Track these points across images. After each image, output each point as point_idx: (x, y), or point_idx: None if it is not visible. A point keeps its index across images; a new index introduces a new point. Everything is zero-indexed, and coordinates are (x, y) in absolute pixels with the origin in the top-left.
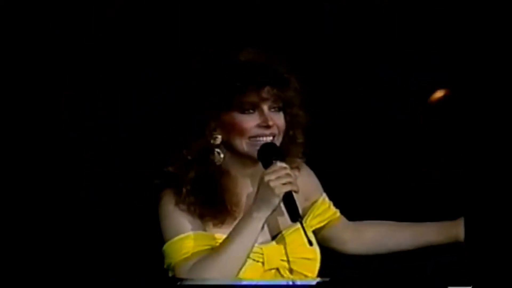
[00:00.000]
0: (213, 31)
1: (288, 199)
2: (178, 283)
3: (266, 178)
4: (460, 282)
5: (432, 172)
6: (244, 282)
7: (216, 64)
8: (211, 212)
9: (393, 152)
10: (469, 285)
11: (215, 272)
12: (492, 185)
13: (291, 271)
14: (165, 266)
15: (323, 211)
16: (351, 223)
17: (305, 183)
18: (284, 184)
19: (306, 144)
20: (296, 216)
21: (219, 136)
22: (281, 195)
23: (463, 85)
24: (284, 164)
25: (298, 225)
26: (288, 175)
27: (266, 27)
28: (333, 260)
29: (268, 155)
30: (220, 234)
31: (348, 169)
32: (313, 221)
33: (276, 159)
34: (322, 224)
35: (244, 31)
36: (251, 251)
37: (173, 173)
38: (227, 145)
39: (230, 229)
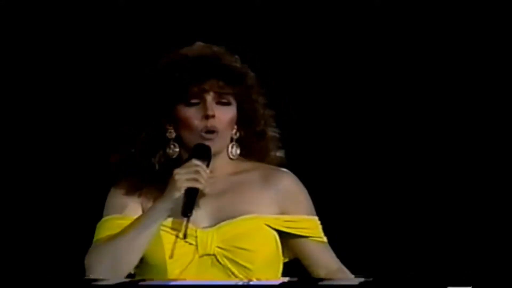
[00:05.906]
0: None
1: (189, 195)
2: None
3: (175, 172)
4: (460, 282)
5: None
6: (197, 282)
7: (162, 61)
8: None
9: (393, 152)
10: (469, 285)
11: (108, 258)
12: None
13: (230, 260)
14: None
15: (299, 220)
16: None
17: (283, 196)
18: (187, 179)
19: (306, 144)
20: (185, 211)
21: (173, 131)
22: (182, 189)
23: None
24: (198, 162)
25: (244, 215)
26: (197, 172)
27: (266, 27)
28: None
29: (194, 154)
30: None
31: (347, 169)
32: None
33: (196, 158)
34: (291, 230)
35: (243, 31)
36: (149, 241)
37: (126, 163)
38: (180, 140)
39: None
